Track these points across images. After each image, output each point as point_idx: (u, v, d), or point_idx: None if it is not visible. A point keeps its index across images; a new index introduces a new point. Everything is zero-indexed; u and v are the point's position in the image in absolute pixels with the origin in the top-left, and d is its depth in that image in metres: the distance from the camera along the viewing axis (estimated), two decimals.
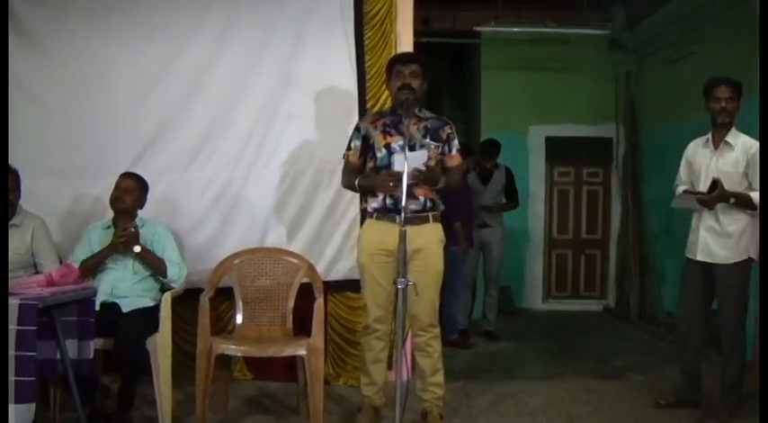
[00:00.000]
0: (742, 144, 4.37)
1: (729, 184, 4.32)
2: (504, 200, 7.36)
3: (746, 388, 4.51)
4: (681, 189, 4.65)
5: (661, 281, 8.18)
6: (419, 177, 3.79)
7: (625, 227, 8.90)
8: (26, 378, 3.14)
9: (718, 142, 4.45)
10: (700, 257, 4.49)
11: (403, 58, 4.20)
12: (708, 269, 4.48)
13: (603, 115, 9.07)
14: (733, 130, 4.43)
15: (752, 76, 5.84)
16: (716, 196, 4.32)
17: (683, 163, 4.74)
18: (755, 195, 4.25)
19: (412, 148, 3.92)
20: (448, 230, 4.29)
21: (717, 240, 4.40)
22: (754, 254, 4.37)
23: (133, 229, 4.28)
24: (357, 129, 4.25)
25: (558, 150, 9.31)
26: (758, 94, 5.67)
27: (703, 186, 4.44)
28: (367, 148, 4.14)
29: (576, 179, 9.49)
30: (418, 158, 3.85)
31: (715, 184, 4.35)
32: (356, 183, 4.10)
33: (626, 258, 8.81)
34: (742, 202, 4.30)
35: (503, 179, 7.27)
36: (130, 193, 4.45)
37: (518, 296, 9.17)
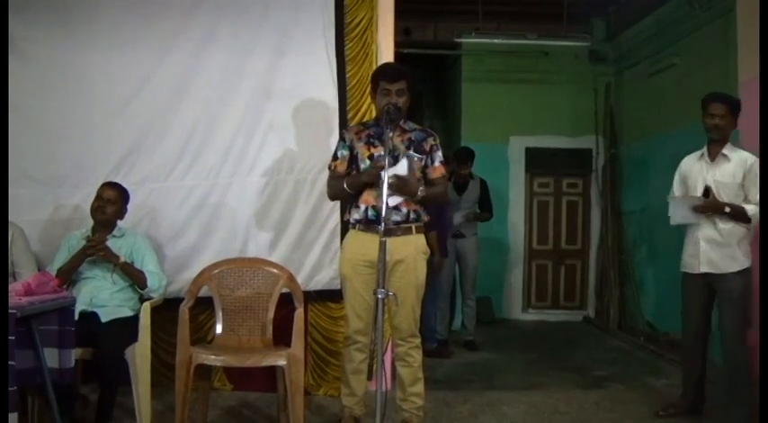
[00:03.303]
0: (738, 157, 4.40)
1: (727, 195, 4.36)
2: (479, 211, 7.37)
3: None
4: (671, 197, 4.66)
5: (640, 291, 8.21)
6: (395, 185, 3.79)
7: (604, 237, 8.94)
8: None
9: (715, 155, 4.48)
10: (703, 269, 4.47)
11: (389, 76, 4.07)
12: (709, 281, 4.47)
13: (583, 126, 9.12)
14: (729, 144, 4.46)
15: (730, 89, 5.90)
16: (711, 202, 4.36)
17: (676, 178, 4.74)
18: (750, 208, 4.27)
19: (395, 159, 3.94)
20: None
21: (719, 250, 4.40)
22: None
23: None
24: (342, 138, 4.24)
25: (537, 161, 9.34)
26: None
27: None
28: (352, 158, 4.14)
29: (555, 190, 9.53)
30: (400, 169, 3.89)
31: (708, 191, 4.39)
32: (344, 185, 4.06)
33: (605, 268, 8.84)
34: (736, 214, 4.32)
35: (477, 190, 7.27)
36: (112, 203, 4.44)
37: (498, 306, 9.16)
